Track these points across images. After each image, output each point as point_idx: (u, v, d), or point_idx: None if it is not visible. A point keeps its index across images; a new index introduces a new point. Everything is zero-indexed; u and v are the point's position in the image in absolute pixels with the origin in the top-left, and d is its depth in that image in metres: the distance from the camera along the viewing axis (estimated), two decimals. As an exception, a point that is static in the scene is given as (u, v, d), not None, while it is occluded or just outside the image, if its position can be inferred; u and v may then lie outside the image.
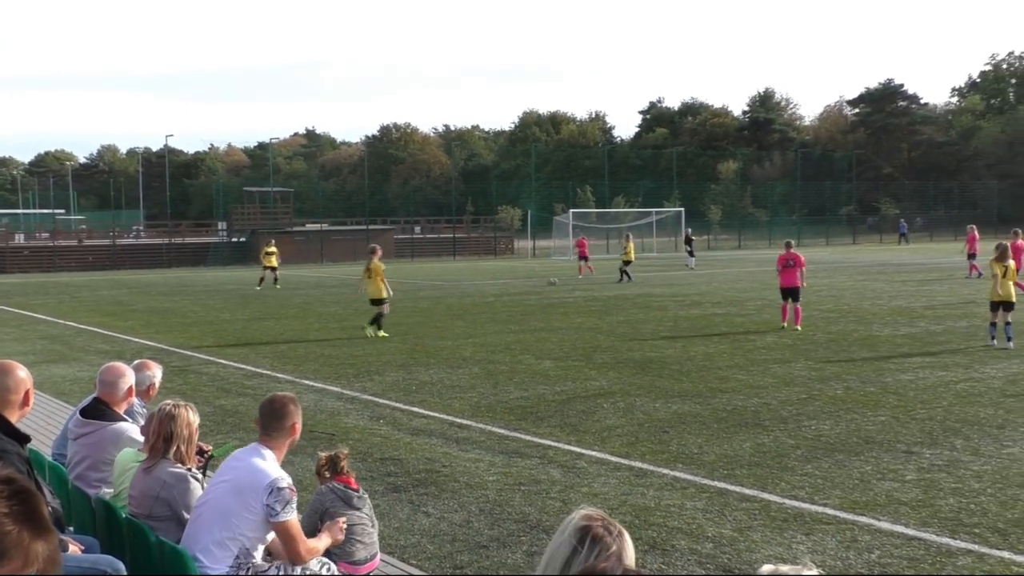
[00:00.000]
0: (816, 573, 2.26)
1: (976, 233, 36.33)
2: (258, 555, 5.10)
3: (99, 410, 6.35)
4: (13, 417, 4.79)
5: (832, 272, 40.31)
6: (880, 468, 9.03)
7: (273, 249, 38.83)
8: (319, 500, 6.00)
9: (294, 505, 5.04)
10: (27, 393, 4.87)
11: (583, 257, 43.36)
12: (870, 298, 26.73)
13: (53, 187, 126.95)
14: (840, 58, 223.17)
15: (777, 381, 13.81)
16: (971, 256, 35.26)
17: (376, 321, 20.47)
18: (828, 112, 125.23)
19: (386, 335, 20.08)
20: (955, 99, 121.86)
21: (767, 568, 2.26)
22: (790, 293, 20.15)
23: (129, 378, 6.51)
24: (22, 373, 4.89)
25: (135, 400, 6.79)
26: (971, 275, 34.29)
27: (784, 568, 2.26)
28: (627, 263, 38.00)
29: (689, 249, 48.73)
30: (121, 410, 6.43)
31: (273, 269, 38.25)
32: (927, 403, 12.02)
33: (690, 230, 53.26)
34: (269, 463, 5.08)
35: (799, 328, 19.57)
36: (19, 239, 66.11)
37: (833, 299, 26.78)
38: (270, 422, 5.22)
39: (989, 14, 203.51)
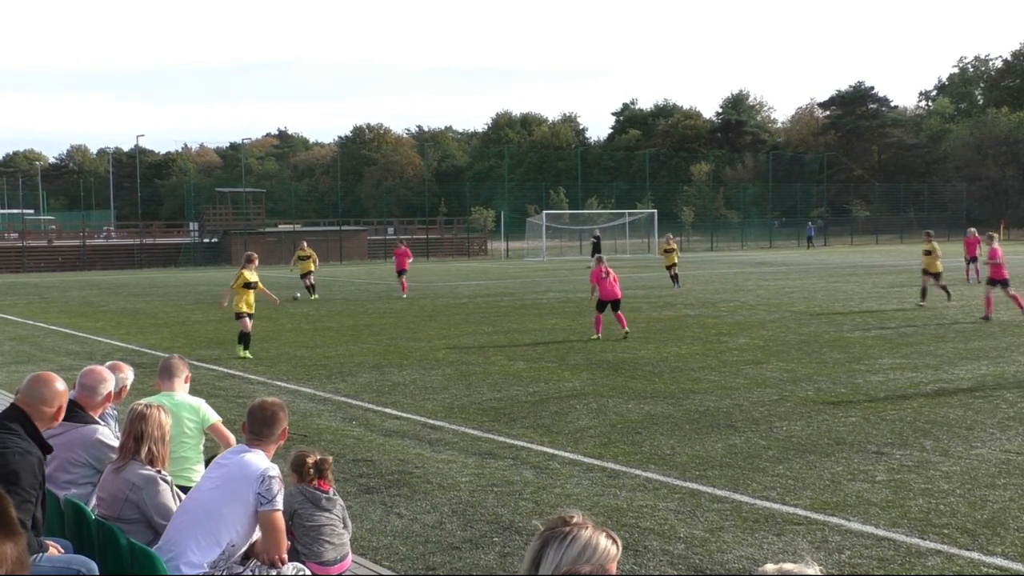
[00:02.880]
0: (818, 571, 2.27)
1: (977, 237, 33.61)
2: (241, 554, 5.11)
3: (72, 412, 6.30)
4: (43, 427, 5.01)
5: (803, 274, 40.57)
6: (851, 469, 9.09)
7: (306, 252, 32.33)
8: (288, 501, 5.99)
9: (282, 497, 5.11)
10: (60, 409, 5.09)
11: (402, 271, 32.77)
12: (841, 300, 26.94)
13: (22, 187, 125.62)
14: (811, 61, 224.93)
15: (749, 382, 13.88)
16: (971, 260, 33.56)
17: (244, 340, 17.94)
18: (799, 114, 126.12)
19: (249, 355, 17.65)
20: (924, 102, 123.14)
21: (771, 567, 2.27)
22: (611, 304, 19.59)
23: (109, 384, 6.47)
24: (59, 386, 5.08)
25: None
26: (969, 279, 32.86)
27: (788, 566, 2.27)
28: (671, 266, 33.45)
29: (595, 248, 52.09)
30: (97, 414, 6.39)
31: (305, 275, 32.11)
32: (897, 404, 12.13)
33: (598, 231, 56.07)
34: (259, 457, 5.18)
35: (628, 330, 19.31)
36: (-12, 239, 65.43)
37: (805, 300, 26.96)
38: (261, 428, 5.28)
39: (957, 18, 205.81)
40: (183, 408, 6.84)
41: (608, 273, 19.64)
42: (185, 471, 6.56)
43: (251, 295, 18.29)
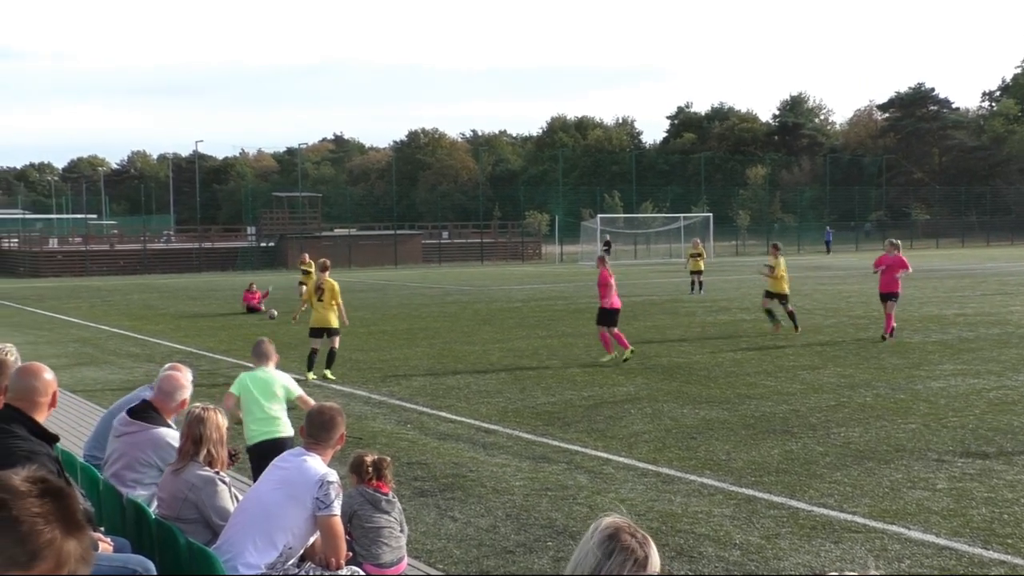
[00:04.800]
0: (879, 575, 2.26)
1: None
2: (297, 555, 5.16)
3: (147, 413, 6.42)
4: (41, 418, 4.86)
5: (861, 279, 39.98)
6: (910, 476, 8.95)
7: (308, 265, 28.47)
8: (347, 502, 6.04)
9: (340, 502, 5.15)
10: (54, 394, 4.94)
11: (255, 309, 28.33)
12: (900, 304, 26.42)
13: (86, 192, 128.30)
14: (870, 62, 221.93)
15: (806, 388, 13.72)
16: None
17: (330, 360, 15.79)
18: (858, 117, 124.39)
19: (333, 377, 15.63)
20: (987, 103, 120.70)
21: (833, 575, 2.26)
22: (614, 317, 16.95)
23: (186, 391, 6.59)
24: (48, 375, 4.96)
25: None
26: None
27: (849, 574, 2.24)
28: (697, 272, 32.56)
29: (606, 251, 52.87)
30: (170, 419, 6.48)
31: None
32: (959, 411, 11.91)
33: (608, 237, 57.11)
34: (318, 462, 5.23)
35: (633, 349, 16.79)
36: (53, 244, 66.78)
37: (863, 305, 26.57)
38: (319, 432, 5.33)
39: (1021, 16, 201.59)
40: (275, 379, 8.48)
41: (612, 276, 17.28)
42: (276, 428, 8.25)
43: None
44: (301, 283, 28.28)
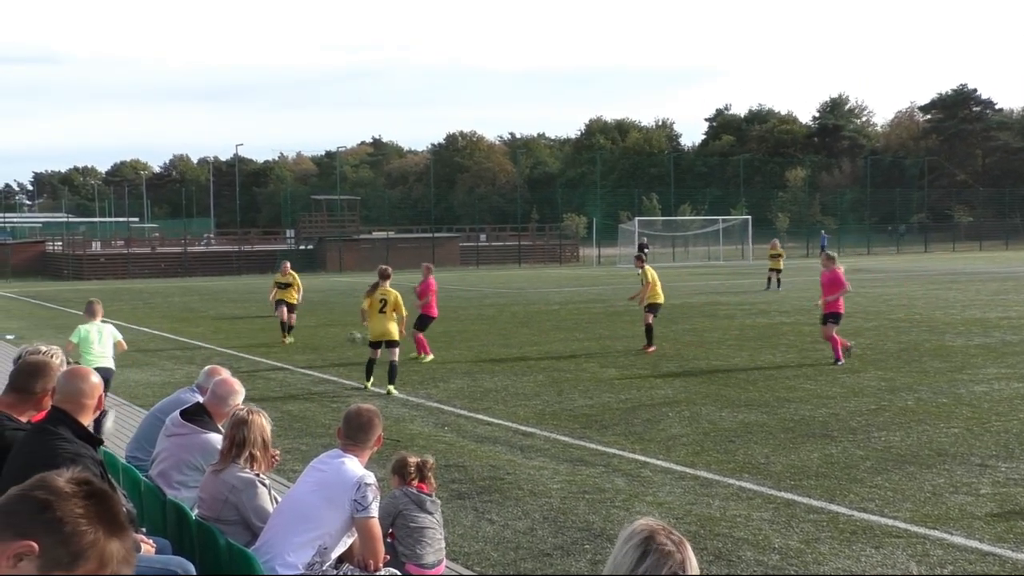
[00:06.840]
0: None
1: None
2: (335, 556, 5.19)
3: (199, 416, 6.49)
4: (86, 420, 4.92)
5: (903, 281, 39.56)
6: (953, 481, 8.84)
7: (288, 278, 23.09)
8: (392, 503, 6.08)
9: (378, 504, 5.17)
10: (100, 398, 5.01)
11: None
12: (942, 307, 26.18)
13: (128, 196, 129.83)
14: (911, 64, 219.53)
15: (846, 391, 13.60)
16: None
17: (392, 375, 14.65)
18: (899, 118, 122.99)
19: (397, 392, 14.46)
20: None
21: None
22: (429, 323, 18.41)
23: (239, 396, 6.66)
24: (95, 378, 5.03)
25: None
26: None
27: None
28: (776, 270, 34.92)
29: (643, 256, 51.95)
30: (220, 423, 6.54)
31: (288, 307, 22.46)
32: (1003, 415, 11.74)
33: (645, 239, 55.89)
34: (355, 464, 5.25)
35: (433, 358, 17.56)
36: (96, 246, 67.62)
37: (904, 308, 26.30)
38: (356, 433, 5.35)
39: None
40: (104, 330, 12.40)
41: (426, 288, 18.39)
42: (106, 363, 12.10)
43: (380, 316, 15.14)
44: (280, 300, 22.67)
